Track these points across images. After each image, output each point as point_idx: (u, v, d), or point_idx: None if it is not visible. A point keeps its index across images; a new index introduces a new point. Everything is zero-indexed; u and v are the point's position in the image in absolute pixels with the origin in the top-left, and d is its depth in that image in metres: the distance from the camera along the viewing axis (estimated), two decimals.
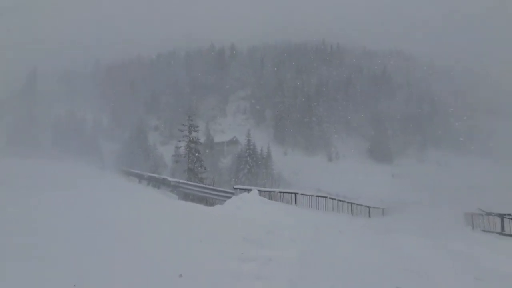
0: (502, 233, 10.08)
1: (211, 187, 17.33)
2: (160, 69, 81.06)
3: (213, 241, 5.78)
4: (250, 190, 13.09)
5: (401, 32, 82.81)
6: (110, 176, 20.29)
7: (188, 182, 18.02)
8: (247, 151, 42.52)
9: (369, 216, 17.29)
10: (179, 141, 27.24)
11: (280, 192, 14.04)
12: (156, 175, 21.16)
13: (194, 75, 77.05)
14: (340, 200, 15.96)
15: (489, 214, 11.37)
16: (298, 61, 76.24)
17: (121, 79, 74.45)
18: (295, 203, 13.94)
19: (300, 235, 7.34)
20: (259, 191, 13.18)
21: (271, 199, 13.43)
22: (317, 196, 14.70)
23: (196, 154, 25.17)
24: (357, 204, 17.04)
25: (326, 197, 15.20)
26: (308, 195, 14.42)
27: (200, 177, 24.07)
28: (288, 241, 6.44)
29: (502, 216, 10.24)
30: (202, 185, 17.65)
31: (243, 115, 74.58)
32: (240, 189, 13.97)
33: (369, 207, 17.78)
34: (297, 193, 14.11)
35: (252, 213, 9.33)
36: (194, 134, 25.76)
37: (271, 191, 14.14)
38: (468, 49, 77.21)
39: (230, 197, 12.70)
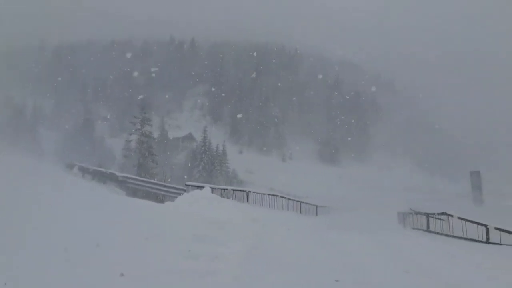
0: (427, 230, 11.36)
1: (162, 183, 16.85)
2: (113, 57, 76.08)
3: (160, 238, 5.64)
4: (203, 187, 12.96)
5: (351, 44, 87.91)
6: (50, 169, 18.68)
7: (138, 178, 17.30)
8: (203, 148, 42.06)
9: (316, 214, 18.17)
10: (130, 134, 26.08)
11: (233, 190, 14.15)
12: (102, 169, 19.98)
13: (151, 67, 73.75)
14: (290, 199, 16.54)
15: (417, 213, 12.75)
16: (258, 62, 77.06)
17: (68, 63, 68.51)
18: (247, 201, 14.14)
19: (249, 232, 7.48)
20: (212, 188, 13.12)
21: (224, 197, 13.45)
22: (268, 194, 15.09)
23: (149, 149, 24.27)
24: (306, 203, 17.81)
25: (277, 195, 15.66)
26: (259, 193, 14.73)
27: (151, 172, 23.25)
28: (237, 238, 6.53)
29: (427, 215, 11.56)
30: (152, 181, 17.08)
31: (200, 111, 73.45)
32: (192, 186, 13.78)
33: (316, 206, 18.68)
34: (249, 191, 14.33)
35: (203, 210, 9.26)
36: (147, 127, 24.82)
37: (224, 189, 14.18)
38: (411, 64, 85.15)
39: (181, 194, 12.46)
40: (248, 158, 54.24)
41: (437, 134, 63.18)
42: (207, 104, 73.15)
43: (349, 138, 61.44)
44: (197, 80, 78.34)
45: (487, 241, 7.48)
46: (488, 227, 7.39)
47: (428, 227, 11.30)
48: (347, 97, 71.14)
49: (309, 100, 70.36)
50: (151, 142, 25.00)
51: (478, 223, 7.74)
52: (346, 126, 64.36)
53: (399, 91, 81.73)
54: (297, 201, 17.22)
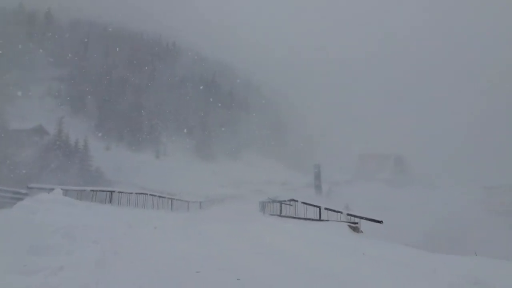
0: (280, 215, 13.41)
1: None
2: None
3: None
4: (52, 189, 11.15)
5: (226, 45, 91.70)
6: None
7: None
8: (57, 142, 36.07)
9: (188, 210, 18.37)
10: None
11: (92, 190, 12.73)
12: None
13: None
14: (160, 196, 16.16)
15: (273, 201, 14.87)
16: (131, 50, 70.86)
17: None
18: (111, 202, 13.04)
19: (106, 235, 6.97)
20: (65, 190, 11.45)
21: (81, 199, 11.99)
22: (136, 193, 14.29)
23: None
24: (178, 199, 17.76)
25: (146, 194, 15.02)
26: (126, 192, 13.78)
27: None
28: (90, 243, 5.98)
29: (281, 202, 13.73)
30: None
31: (56, 99, 61.88)
32: (38, 188, 11.65)
33: (188, 202, 18.89)
34: (113, 191, 13.22)
35: (50, 216, 8.01)
36: None
37: (81, 190, 12.61)
38: (278, 70, 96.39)
39: (22, 199, 10.42)
40: (117, 155, 49.42)
41: (294, 133, 74.66)
42: (67, 91, 62.30)
43: (222, 136, 64.53)
44: (52, 61, 65.54)
45: (319, 219, 9.46)
46: (320, 207, 9.35)
47: (281, 212, 13.42)
48: (221, 96, 74.28)
49: (185, 95, 69.61)
50: None
51: (314, 205, 9.73)
52: (219, 124, 67.22)
53: (266, 94, 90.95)
54: (168, 198, 16.97)
